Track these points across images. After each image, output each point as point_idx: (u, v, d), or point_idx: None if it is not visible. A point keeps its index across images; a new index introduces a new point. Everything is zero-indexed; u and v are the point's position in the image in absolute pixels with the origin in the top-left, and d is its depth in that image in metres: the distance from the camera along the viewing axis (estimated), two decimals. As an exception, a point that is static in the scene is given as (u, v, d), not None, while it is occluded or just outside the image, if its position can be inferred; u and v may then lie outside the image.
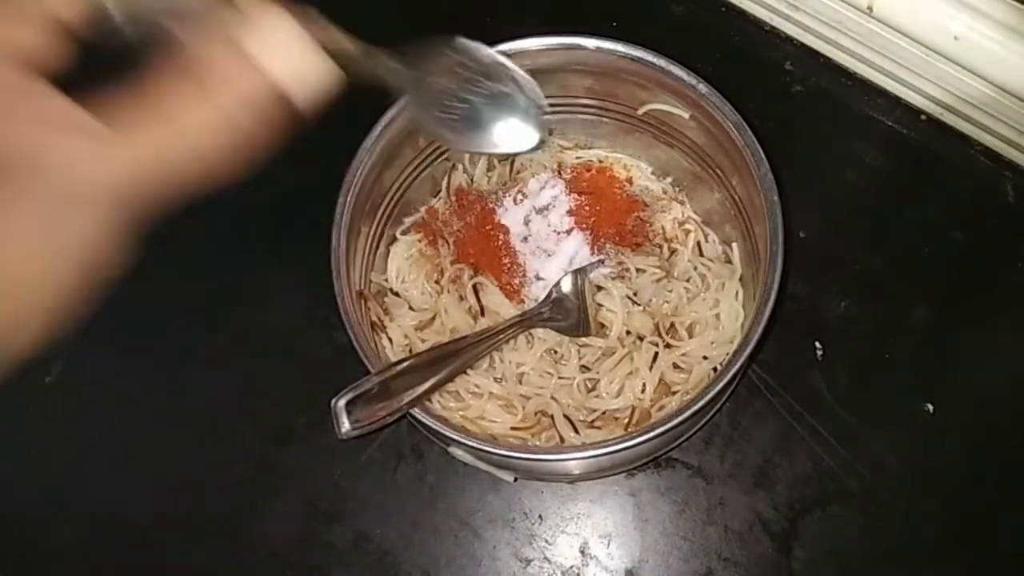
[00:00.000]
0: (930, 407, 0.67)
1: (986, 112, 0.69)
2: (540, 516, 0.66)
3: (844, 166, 0.74)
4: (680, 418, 0.54)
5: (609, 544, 0.66)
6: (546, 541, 0.66)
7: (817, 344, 0.69)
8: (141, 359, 0.72)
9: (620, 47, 0.61)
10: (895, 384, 0.68)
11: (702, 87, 0.59)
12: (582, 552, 0.65)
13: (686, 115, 0.63)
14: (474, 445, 0.55)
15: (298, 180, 0.75)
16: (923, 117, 0.75)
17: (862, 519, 0.65)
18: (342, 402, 0.53)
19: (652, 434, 0.54)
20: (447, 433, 0.55)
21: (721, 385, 0.55)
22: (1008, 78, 0.63)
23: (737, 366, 0.55)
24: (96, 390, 0.72)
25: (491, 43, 0.61)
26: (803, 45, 0.77)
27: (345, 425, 0.53)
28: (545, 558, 0.65)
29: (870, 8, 0.66)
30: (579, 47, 0.62)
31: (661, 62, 0.60)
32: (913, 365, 0.68)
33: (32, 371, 0.72)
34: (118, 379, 0.72)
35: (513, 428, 0.62)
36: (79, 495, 0.69)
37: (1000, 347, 0.69)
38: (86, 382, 0.72)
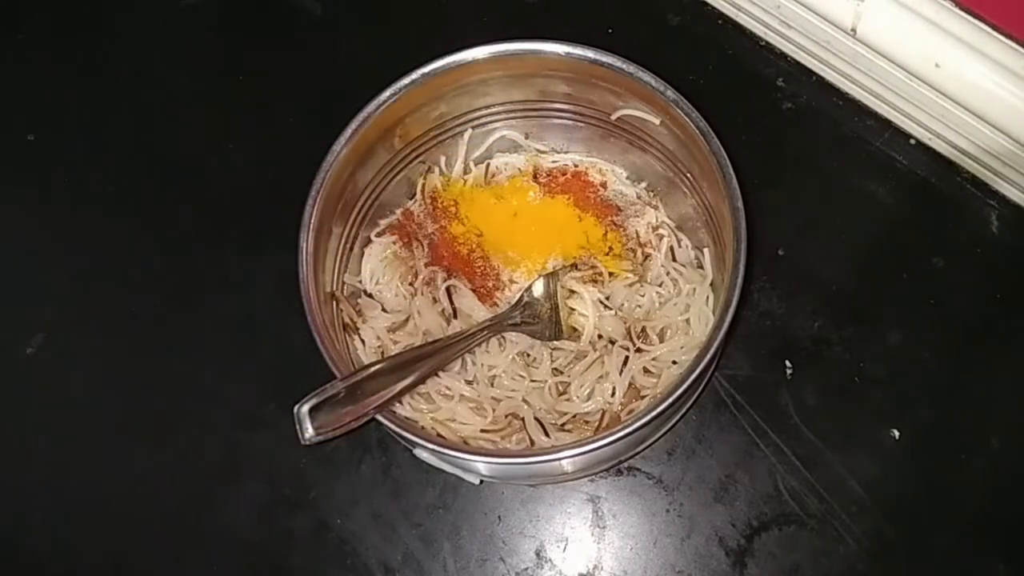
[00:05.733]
0: (896, 433, 0.66)
1: (971, 141, 0.68)
2: (499, 517, 0.67)
3: (829, 186, 0.74)
4: (638, 423, 0.54)
5: (565, 548, 0.66)
6: (503, 542, 0.66)
7: (787, 363, 0.69)
8: (119, 338, 0.73)
9: (590, 53, 0.60)
10: (862, 408, 0.67)
11: (670, 93, 0.59)
12: (537, 555, 0.66)
13: (656, 121, 0.62)
14: (435, 448, 0.55)
15: (279, 173, 0.76)
16: (912, 141, 0.74)
17: (819, 541, 0.64)
18: (306, 408, 0.52)
19: (612, 439, 0.54)
20: (408, 436, 0.55)
21: (678, 393, 0.54)
22: (989, 109, 0.63)
23: (693, 376, 0.54)
24: (74, 365, 0.73)
25: (479, 43, 0.62)
26: (796, 62, 0.77)
27: (309, 431, 0.51)
28: (500, 558, 0.66)
29: (854, 30, 0.65)
30: (551, 53, 0.61)
31: (630, 68, 0.59)
32: (882, 390, 0.68)
33: (13, 342, 0.73)
34: (97, 355, 0.73)
35: (483, 431, 0.62)
36: (47, 466, 0.70)
37: (972, 379, 0.68)
38: (66, 356, 0.73)
